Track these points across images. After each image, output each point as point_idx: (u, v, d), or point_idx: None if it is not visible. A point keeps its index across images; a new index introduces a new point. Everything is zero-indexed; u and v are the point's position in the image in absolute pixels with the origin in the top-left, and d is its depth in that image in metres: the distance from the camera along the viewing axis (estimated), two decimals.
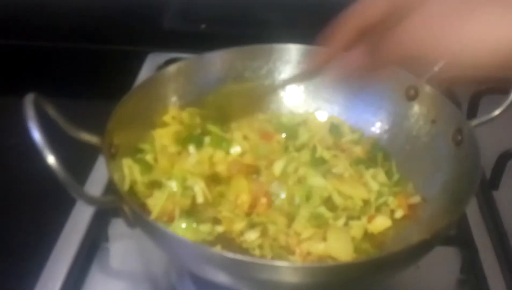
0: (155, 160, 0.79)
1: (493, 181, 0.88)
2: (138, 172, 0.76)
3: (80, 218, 0.81)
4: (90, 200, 0.66)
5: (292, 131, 0.86)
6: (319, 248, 0.71)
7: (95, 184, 0.85)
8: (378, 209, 0.76)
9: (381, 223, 0.75)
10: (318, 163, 0.81)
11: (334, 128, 0.87)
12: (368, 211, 0.76)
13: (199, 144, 0.81)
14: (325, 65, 0.68)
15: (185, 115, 0.84)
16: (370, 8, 0.60)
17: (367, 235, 0.75)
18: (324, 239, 0.72)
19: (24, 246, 0.80)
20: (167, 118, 0.84)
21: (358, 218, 0.75)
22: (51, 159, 0.60)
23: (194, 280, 0.75)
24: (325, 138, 0.86)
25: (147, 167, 0.78)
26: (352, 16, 0.62)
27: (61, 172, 0.60)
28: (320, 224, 0.74)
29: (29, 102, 0.62)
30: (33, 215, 0.84)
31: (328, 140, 0.86)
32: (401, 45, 0.54)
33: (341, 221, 0.75)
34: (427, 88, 0.81)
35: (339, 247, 0.71)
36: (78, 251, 0.77)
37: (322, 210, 0.75)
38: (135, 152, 0.78)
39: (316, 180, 0.78)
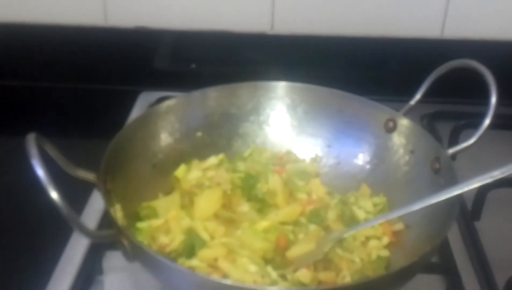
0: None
1: (475, 212, 0.90)
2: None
3: (75, 251, 0.81)
4: (90, 234, 0.68)
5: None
6: None
7: (91, 217, 0.86)
8: (367, 238, 0.79)
9: (375, 245, 0.78)
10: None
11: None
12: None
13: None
14: None
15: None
16: None
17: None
18: None
19: (20, 280, 0.80)
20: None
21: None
22: (54, 195, 0.62)
23: None
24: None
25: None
26: None
27: (64, 207, 0.62)
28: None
29: (31, 141, 0.64)
30: (28, 249, 0.84)
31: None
32: None
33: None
34: (405, 121, 0.85)
35: None
36: (73, 284, 0.78)
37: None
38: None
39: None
